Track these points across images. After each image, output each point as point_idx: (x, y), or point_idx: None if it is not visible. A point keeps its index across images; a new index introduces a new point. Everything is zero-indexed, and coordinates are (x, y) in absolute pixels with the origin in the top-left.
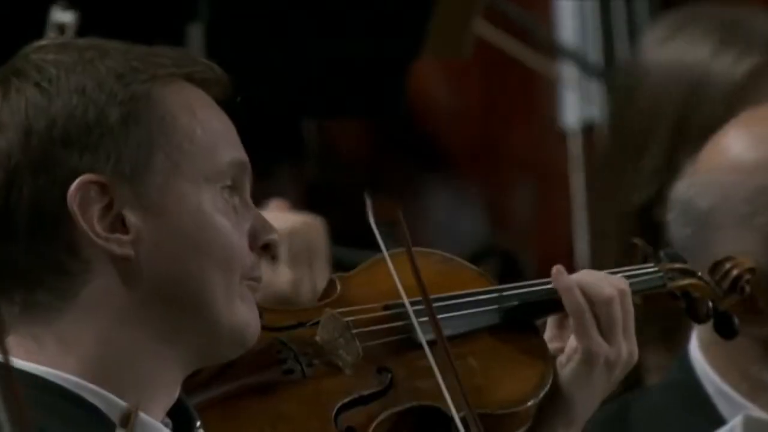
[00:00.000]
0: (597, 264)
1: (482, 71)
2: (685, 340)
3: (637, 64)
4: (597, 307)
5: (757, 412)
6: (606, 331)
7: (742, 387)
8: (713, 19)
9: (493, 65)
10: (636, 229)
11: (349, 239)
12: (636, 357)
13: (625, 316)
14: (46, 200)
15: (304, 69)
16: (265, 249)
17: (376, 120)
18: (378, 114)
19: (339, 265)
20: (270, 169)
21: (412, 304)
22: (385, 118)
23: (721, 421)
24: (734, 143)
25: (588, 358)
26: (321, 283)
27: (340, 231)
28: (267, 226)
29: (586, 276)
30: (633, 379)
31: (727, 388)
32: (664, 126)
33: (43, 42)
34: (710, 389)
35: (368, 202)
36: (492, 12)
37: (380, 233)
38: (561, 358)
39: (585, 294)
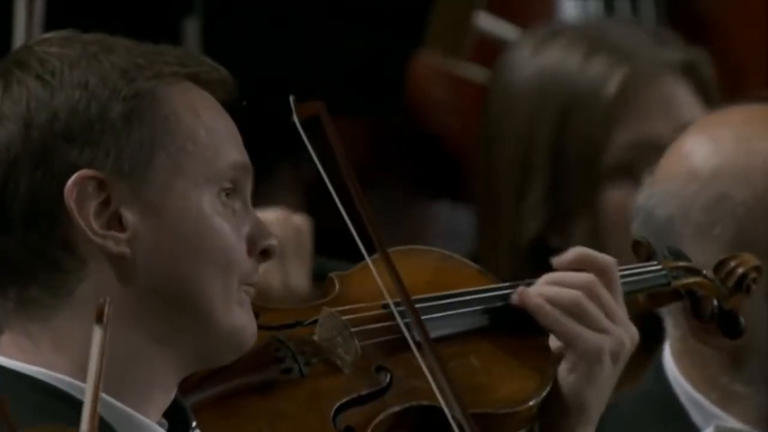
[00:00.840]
0: None
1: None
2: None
3: (502, 84)
4: (570, 311)
5: (730, 422)
6: (593, 326)
7: (712, 396)
8: (578, 32)
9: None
10: (531, 261)
11: (348, 239)
12: (637, 337)
13: (602, 304)
14: (43, 194)
15: (302, 66)
16: (264, 255)
17: (374, 119)
18: (376, 112)
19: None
20: (269, 169)
21: (405, 303)
22: (383, 115)
23: (694, 430)
24: (693, 150)
25: (590, 359)
26: (295, 279)
27: (338, 231)
28: (266, 232)
29: (547, 288)
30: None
31: (699, 397)
32: (541, 152)
33: (47, 35)
34: (683, 398)
35: (292, 103)
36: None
37: (307, 134)
38: (565, 366)
39: (555, 305)
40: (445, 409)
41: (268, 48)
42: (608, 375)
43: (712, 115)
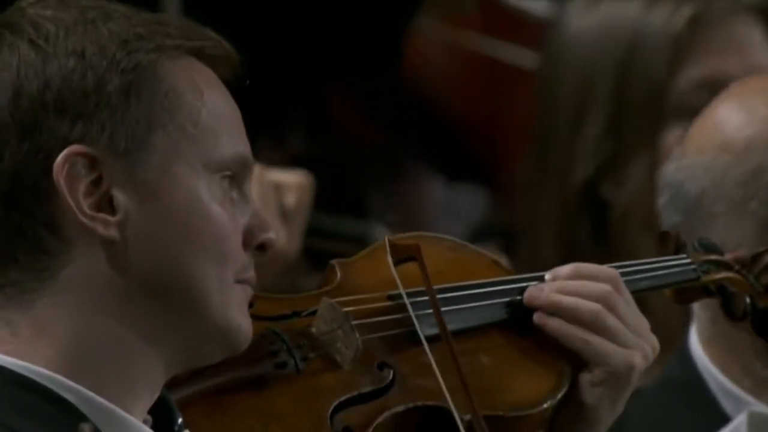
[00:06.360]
0: (532, 259)
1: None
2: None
3: (562, 33)
4: (589, 326)
5: (762, 408)
6: (617, 341)
7: (744, 383)
8: None
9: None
10: (579, 211)
11: (336, 211)
12: (658, 347)
13: (623, 317)
14: (29, 169)
15: (290, 32)
16: (260, 249)
17: (368, 87)
18: (370, 75)
19: (316, 231)
20: (252, 141)
21: (415, 294)
22: (377, 78)
23: (725, 419)
24: (724, 120)
25: (620, 377)
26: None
27: (326, 204)
28: (264, 225)
29: (561, 299)
30: None
31: (729, 384)
32: (602, 91)
33: None
34: (713, 386)
35: (387, 243)
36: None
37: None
38: (590, 378)
39: (571, 319)
40: (453, 411)
41: (255, 16)
42: (629, 389)
43: (744, 80)
